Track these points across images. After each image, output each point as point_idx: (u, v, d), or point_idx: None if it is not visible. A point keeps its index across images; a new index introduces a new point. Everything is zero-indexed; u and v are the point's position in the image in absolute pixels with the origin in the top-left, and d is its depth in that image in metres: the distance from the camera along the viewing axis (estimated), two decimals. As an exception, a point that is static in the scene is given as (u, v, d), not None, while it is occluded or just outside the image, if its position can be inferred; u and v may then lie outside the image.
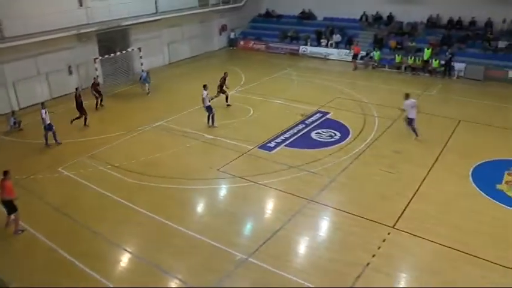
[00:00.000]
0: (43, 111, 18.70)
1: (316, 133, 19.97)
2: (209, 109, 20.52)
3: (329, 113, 22.39)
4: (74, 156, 18.01)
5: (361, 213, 13.69)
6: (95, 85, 23.94)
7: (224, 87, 23.21)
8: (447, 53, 29.12)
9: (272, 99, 24.66)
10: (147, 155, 17.98)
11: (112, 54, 27.47)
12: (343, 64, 33.21)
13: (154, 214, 13.81)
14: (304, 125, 20.78)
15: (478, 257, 11.61)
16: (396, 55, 31.07)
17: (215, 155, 18.14)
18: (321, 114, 22.17)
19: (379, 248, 12.08)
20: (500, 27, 30.68)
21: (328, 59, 34.62)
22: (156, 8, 31.79)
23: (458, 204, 14.15)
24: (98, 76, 25.58)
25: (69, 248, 12.24)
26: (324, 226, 13.59)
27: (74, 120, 21.07)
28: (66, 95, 25.76)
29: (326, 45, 35.26)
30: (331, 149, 18.24)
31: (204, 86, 20.32)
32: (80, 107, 21.20)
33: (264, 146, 18.57)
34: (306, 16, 39.22)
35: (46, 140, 19.17)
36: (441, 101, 24.41)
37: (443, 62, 29.25)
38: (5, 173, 12.81)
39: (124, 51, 28.50)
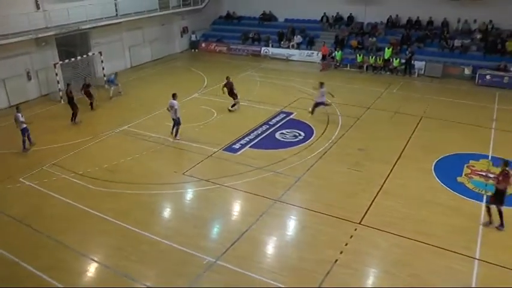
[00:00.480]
0: (19, 114, 18.36)
1: (280, 133, 19.99)
2: (178, 121, 19.42)
3: (293, 113, 22.49)
4: (36, 165, 17.36)
5: (327, 211, 13.75)
6: (86, 86, 23.48)
7: (235, 91, 22.96)
8: (407, 52, 29.82)
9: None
10: (111, 161, 17.56)
11: (72, 59, 26.72)
12: (305, 65, 33.52)
13: (120, 221, 13.45)
14: (268, 126, 20.78)
15: (443, 248, 11.88)
16: (357, 55, 31.54)
17: (180, 158, 17.92)
18: (285, 115, 22.24)
19: (346, 244, 12.15)
20: (455, 26, 31.75)
21: (290, 60, 34.84)
22: (116, 11, 31.22)
23: (422, 198, 14.44)
24: (87, 77, 24.84)
25: (33, 261, 11.76)
26: (291, 225, 13.55)
27: (73, 118, 21.79)
28: (26, 101, 24.96)
29: (288, 47, 35.46)
30: (296, 149, 18.30)
31: (174, 95, 19.19)
32: (71, 102, 21.57)
33: (228, 148, 18.45)
34: (267, 17, 39.37)
35: (24, 144, 18.71)
36: (403, 99, 24.91)
37: (403, 61, 29.93)
38: None
39: (85, 56, 27.79)
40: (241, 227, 13.09)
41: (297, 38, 35.51)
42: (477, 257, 11.62)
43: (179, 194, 15.47)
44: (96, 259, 12.00)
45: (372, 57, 30.88)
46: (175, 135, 19.47)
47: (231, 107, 22.89)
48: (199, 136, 19.67)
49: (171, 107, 18.99)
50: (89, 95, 23.56)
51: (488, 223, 12.86)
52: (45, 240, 12.73)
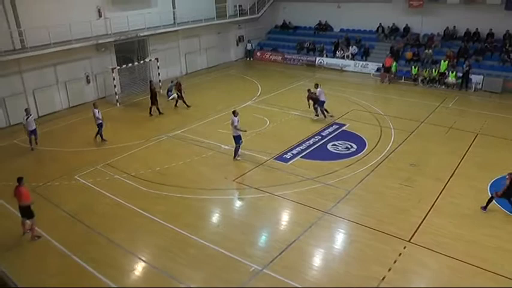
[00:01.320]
0: (96, 110, 20.12)
1: (332, 145, 19.95)
2: (238, 139, 18.34)
3: (345, 124, 22.38)
4: (91, 165, 18.27)
5: (377, 226, 13.60)
6: (179, 85, 24.94)
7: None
8: (464, 66, 28.75)
9: (288, 110, 24.71)
10: (163, 164, 18.16)
11: (130, 64, 27.86)
12: (360, 76, 33.24)
13: (169, 223, 13.90)
14: (320, 137, 20.78)
15: (498, 274, 11.42)
16: (413, 67, 30.89)
17: (231, 165, 18.20)
18: (337, 126, 22.17)
19: (395, 262, 11.97)
20: (519, 39, 30.39)
21: (345, 71, 34.62)
22: (174, 19, 32.28)
23: (475, 219, 13.97)
24: (178, 77, 25.95)
25: (83, 254, 12.40)
26: (340, 239, 13.48)
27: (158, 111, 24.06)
28: (83, 104, 26.30)
29: (342, 57, 35.25)
30: (348, 161, 18.21)
31: (234, 112, 18.25)
32: (153, 97, 23.84)
33: (280, 157, 18.59)
34: (323, 28, 39.39)
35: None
36: (458, 114, 24.18)
37: (460, 75, 28.94)
38: (19, 179, 13.03)
39: (141, 62, 28.89)
40: (289, 237, 13.16)
41: (352, 49, 35.25)
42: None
43: (228, 200, 15.79)
44: (143, 258, 12.47)
45: (426, 70, 30.04)
46: (235, 155, 18.56)
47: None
48: (251, 144, 19.89)
49: (232, 124, 18.17)
50: (180, 93, 25.10)
51: None
52: (96, 236, 13.38)
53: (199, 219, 14.43)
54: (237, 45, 39.61)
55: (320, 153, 19.14)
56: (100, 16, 27.37)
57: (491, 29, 31.05)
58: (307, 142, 20.22)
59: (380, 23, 36.06)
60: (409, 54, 32.54)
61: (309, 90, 23.40)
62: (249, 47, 39.77)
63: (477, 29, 31.65)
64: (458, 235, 13.12)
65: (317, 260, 12.50)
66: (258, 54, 39.69)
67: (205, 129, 22.11)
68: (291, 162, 18.28)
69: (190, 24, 32.72)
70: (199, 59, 35.65)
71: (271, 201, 15.35)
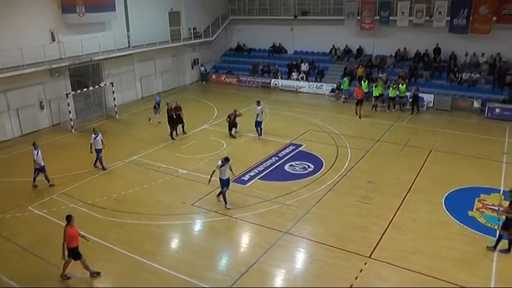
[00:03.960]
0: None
1: (289, 165, 20.20)
2: (225, 184, 16.41)
3: (302, 145, 22.74)
4: (46, 194, 17.72)
5: (337, 244, 13.82)
6: (177, 109, 24.30)
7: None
8: (413, 90, 29.01)
9: (245, 132, 24.88)
10: (120, 191, 17.85)
11: (84, 89, 27.41)
12: (315, 96, 34.04)
13: (127, 251, 13.63)
14: (277, 158, 21.01)
15: (455, 284, 11.86)
16: (363, 82, 30.87)
17: (189, 189, 18.07)
18: (294, 147, 22.49)
19: (356, 278, 12.18)
20: (463, 60, 32.11)
21: (300, 92, 35.36)
22: (129, 43, 32.18)
23: (432, 232, 14.46)
24: (173, 101, 25.19)
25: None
26: (301, 258, 13.59)
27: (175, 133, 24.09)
28: (37, 131, 25.61)
29: (297, 79, 36.03)
30: (305, 181, 18.48)
31: (227, 159, 16.30)
32: (174, 119, 23.85)
33: (238, 180, 18.60)
34: (277, 50, 40.25)
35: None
36: (412, 132, 25.10)
37: (409, 94, 29.54)
38: (67, 218, 12.21)
39: (96, 86, 28.49)
40: (249, 259, 13.17)
41: (304, 66, 36.31)
42: (490, 292, 11.62)
43: (187, 225, 15.61)
44: (100, 287, 12.17)
45: (376, 87, 29.51)
46: (225, 202, 16.45)
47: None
48: (208, 167, 19.71)
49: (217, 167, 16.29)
50: (178, 118, 24.53)
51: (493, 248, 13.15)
52: (51, 269, 12.87)
53: (157, 245, 14.18)
54: (192, 68, 39.75)
55: (278, 174, 19.33)
56: (53, 40, 26.93)
57: (439, 50, 32.73)
58: (265, 163, 20.40)
59: (333, 45, 37.23)
60: (360, 71, 33.49)
61: (235, 111, 24.00)
62: (202, 70, 39.94)
63: (426, 50, 33.28)
64: (417, 248, 13.53)
65: (278, 281, 12.51)
66: (213, 77, 39.94)
67: (162, 153, 21.96)
68: (249, 184, 18.37)
69: (145, 47, 32.70)
70: (154, 83, 35.51)
71: (230, 224, 15.35)
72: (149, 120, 26.73)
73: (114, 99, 29.01)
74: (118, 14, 30.95)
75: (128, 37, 32.10)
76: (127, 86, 32.59)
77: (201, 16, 38.91)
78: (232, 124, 24.12)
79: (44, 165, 18.25)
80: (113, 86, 28.83)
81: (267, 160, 20.77)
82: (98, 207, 16.54)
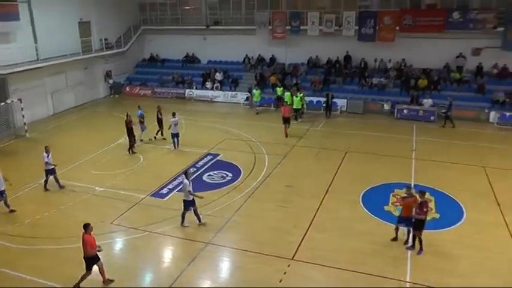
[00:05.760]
0: (45, 154, 18.66)
1: (208, 175, 20.14)
2: (189, 205, 15.66)
3: (219, 154, 22.78)
4: None
5: (259, 249, 13.97)
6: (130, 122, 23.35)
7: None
8: (325, 97, 30.57)
9: (161, 144, 24.53)
10: (34, 215, 16.75)
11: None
12: (230, 106, 34.34)
13: (43, 279, 12.83)
14: (195, 169, 20.84)
15: (377, 275, 12.53)
16: (277, 88, 32.05)
17: (107, 207, 17.38)
18: (211, 157, 22.46)
19: (280, 281, 12.37)
20: (373, 65, 34.27)
21: (215, 102, 35.52)
22: (37, 55, 30.39)
23: (351, 229, 15.10)
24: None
25: None
26: (225, 267, 13.62)
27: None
28: None
29: (212, 88, 36.16)
30: (225, 190, 18.51)
31: (186, 174, 16.02)
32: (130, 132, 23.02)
33: (156, 194, 18.32)
34: (190, 60, 40.22)
35: (45, 184, 18.97)
36: (327, 135, 26.15)
37: (322, 100, 31.11)
38: (85, 226, 12.35)
39: (2, 103, 26.46)
40: (173, 273, 13.00)
41: (218, 75, 36.61)
42: (408, 280, 12.36)
43: (107, 244, 14.73)
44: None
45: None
46: (198, 220, 15.82)
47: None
48: (126, 183, 19.41)
49: (184, 189, 15.64)
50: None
51: (411, 247, 13.85)
52: None
53: (75, 268, 13.22)
54: (105, 80, 38.39)
55: (196, 184, 18.93)
56: None
57: (349, 57, 34.61)
58: (183, 175, 20.05)
59: (246, 54, 37.94)
60: (272, 78, 34.39)
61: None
62: (110, 82, 38.63)
63: (338, 57, 34.95)
64: (338, 246, 14.08)
65: (203, 292, 12.38)
66: (128, 89, 38.91)
67: (77, 172, 20.85)
68: (168, 197, 18.10)
69: (55, 59, 31.10)
70: (66, 97, 33.73)
71: (151, 239, 14.99)
72: (141, 140, 25.01)
73: (23, 116, 27.18)
74: (23, 24, 29.13)
75: (36, 49, 30.30)
76: (37, 102, 30.63)
77: (113, 26, 37.85)
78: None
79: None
80: (21, 102, 27.00)
81: (185, 172, 20.56)
82: (10, 235, 15.33)
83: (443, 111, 27.64)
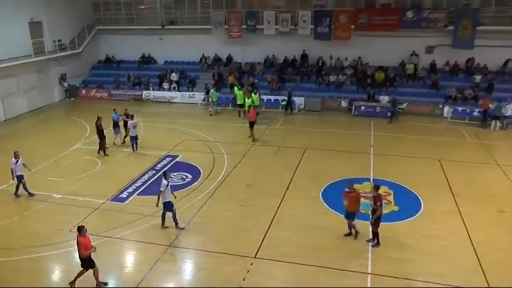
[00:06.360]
0: (14, 160, 18.14)
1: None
2: (169, 206, 15.61)
3: (178, 155, 22.67)
4: None
5: (221, 249, 14.06)
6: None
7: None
8: (287, 93, 31.37)
9: (119, 148, 24.19)
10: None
11: None
12: (188, 106, 34.25)
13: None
14: (154, 171, 20.67)
15: (339, 269, 12.93)
16: (236, 87, 31.70)
17: (66, 215, 16.91)
18: (171, 158, 22.33)
19: (244, 279, 12.49)
20: (329, 63, 34.90)
21: (172, 103, 35.31)
22: (-15, 57, 29.23)
23: (312, 225, 15.41)
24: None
25: None
26: (188, 269, 13.67)
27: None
28: None
29: (169, 89, 35.90)
30: (185, 191, 18.42)
31: (165, 175, 16.09)
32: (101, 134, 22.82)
33: (116, 198, 18.07)
34: (146, 60, 39.79)
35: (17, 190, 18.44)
36: (286, 133, 26.49)
37: (283, 99, 31.72)
38: (79, 228, 12.38)
39: None
40: (135, 278, 12.89)
41: (175, 76, 36.45)
42: (369, 272, 12.80)
43: (65, 253, 14.45)
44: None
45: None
46: (175, 223, 15.59)
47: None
48: (85, 189, 19.02)
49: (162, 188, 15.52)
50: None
51: (372, 239, 14.25)
52: None
53: (33, 281, 13.03)
54: (60, 83, 37.29)
55: (156, 187, 18.69)
56: None
57: (306, 56, 35.12)
58: (142, 178, 19.97)
59: (203, 54, 37.86)
60: (230, 78, 34.48)
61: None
62: (65, 85, 37.58)
63: (294, 56, 35.47)
64: (300, 242, 14.36)
65: (166, 294, 12.33)
66: (84, 92, 38.00)
67: (33, 179, 19.90)
68: (127, 201, 17.88)
69: (4, 62, 29.97)
70: (19, 102, 32.60)
71: (111, 245, 14.75)
72: (113, 143, 24.45)
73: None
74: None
75: (-16, 51, 29.13)
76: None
77: (66, 26, 36.73)
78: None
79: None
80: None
81: (144, 175, 20.33)
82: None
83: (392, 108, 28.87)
